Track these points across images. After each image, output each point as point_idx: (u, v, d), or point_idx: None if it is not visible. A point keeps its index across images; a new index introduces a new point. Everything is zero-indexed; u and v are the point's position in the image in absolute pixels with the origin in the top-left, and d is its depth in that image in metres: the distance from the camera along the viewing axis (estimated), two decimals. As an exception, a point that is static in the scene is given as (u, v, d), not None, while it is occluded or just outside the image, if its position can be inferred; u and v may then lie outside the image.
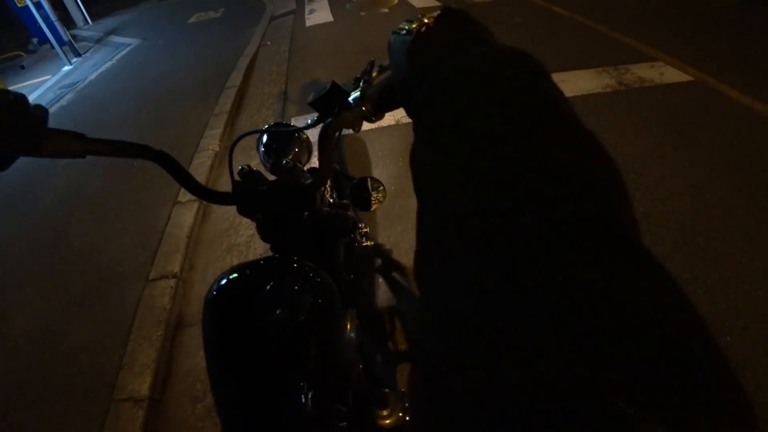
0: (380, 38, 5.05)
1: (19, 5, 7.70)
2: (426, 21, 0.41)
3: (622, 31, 4.81)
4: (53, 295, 2.13)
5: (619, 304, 0.18)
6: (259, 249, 2.13)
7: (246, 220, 2.26)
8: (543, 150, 0.24)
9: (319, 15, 6.68)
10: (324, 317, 0.67)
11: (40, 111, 0.51)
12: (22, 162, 0.51)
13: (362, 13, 6.50)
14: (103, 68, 6.07)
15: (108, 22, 10.16)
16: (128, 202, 2.67)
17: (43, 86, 5.91)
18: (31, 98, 5.50)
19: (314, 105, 0.63)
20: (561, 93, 0.29)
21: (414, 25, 0.41)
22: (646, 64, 3.88)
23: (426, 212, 0.28)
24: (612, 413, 0.16)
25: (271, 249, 0.78)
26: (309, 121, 0.70)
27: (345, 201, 1.03)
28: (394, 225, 2.13)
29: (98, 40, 8.35)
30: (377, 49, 4.67)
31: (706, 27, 5.18)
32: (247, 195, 0.71)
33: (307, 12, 7.00)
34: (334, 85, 0.60)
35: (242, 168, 0.73)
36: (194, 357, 1.78)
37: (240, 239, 2.22)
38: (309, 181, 0.72)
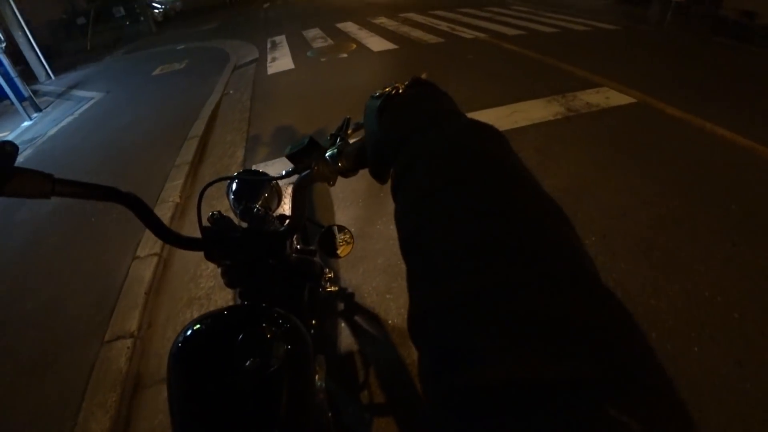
0: (339, 82, 5.30)
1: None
2: (397, 86, 0.45)
3: (568, 62, 5.18)
4: (3, 359, 2.00)
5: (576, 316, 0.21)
6: (220, 301, 2.09)
7: (206, 272, 2.26)
8: (519, 214, 0.27)
9: (281, 62, 6.89)
10: (296, 366, 0.65)
11: (10, 147, 0.50)
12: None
13: (322, 59, 6.75)
14: (64, 122, 5.99)
15: (71, 76, 10.13)
16: (85, 257, 2.59)
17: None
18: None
19: (291, 158, 0.64)
20: (520, 160, 0.34)
21: (386, 89, 0.45)
22: (592, 90, 4.20)
23: (416, 273, 0.29)
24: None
25: (239, 295, 0.77)
26: (284, 171, 0.70)
27: (311, 247, 1.03)
28: (356, 266, 2.14)
29: (60, 95, 8.28)
30: (336, 92, 4.87)
31: (642, 52, 5.68)
32: (217, 241, 0.70)
33: (269, 60, 7.20)
34: (311, 140, 0.62)
35: (213, 214, 0.73)
36: (153, 419, 1.69)
37: (201, 291, 2.17)
38: (281, 228, 0.73)
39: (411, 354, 1.73)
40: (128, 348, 1.96)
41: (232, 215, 0.82)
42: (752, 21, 7.28)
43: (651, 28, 7.74)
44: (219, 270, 0.73)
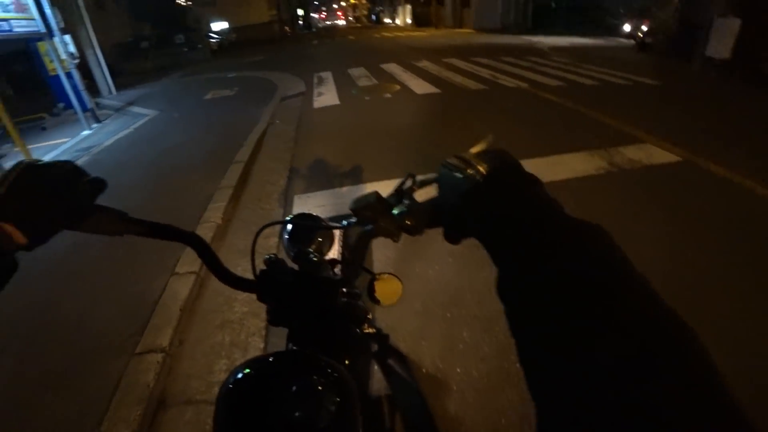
0: (383, 121, 5.46)
1: (51, 74, 8.29)
2: (479, 168, 0.45)
3: (609, 115, 5.19)
4: (31, 367, 2.06)
5: None
6: (252, 328, 2.11)
7: (241, 297, 2.29)
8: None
9: (327, 98, 7.20)
10: (344, 424, 0.64)
11: (99, 185, 0.52)
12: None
13: (366, 98, 7.01)
14: (119, 135, 6.38)
15: (130, 93, 10.85)
16: (125, 269, 2.68)
17: (60, 147, 6.19)
18: (48, 158, 5.69)
19: (355, 211, 0.65)
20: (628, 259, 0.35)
21: (469, 172, 0.45)
22: (635, 145, 4.17)
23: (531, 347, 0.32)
24: None
25: (288, 338, 0.79)
26: (345, 222, 0.71)
27: (357, 290, 1.04)
28: (393, 309, 2.13)
29: (119, 109, 8.86)
30: (380, 132, 5.01)
31: (685, 108, 5.67)
32: (271, 284, 0.73)
33: (315, 94, 7.54)
34: (378, 196, 0.64)
35: (269, 256, 0.75)
36: (173, 441, 1.69)
37: (234, 315, 2.20)
38: (336, 276, 0.77)
39: (442, 405, 1.69)
40: (158, 363, 1.98)
41: (284, 257, 0.84)
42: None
43: (692, 84, 7.75)
44: (265, 306, 0.75)
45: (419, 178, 0.63)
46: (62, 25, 7.94)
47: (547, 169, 3.63)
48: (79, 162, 5.18)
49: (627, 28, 17.00)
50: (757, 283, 2.20)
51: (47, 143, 6.68)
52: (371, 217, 0.63)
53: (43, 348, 2.16)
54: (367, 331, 1.31)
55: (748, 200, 3.08)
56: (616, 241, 0.36)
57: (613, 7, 19.93)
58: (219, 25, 32.92)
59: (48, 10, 7.06)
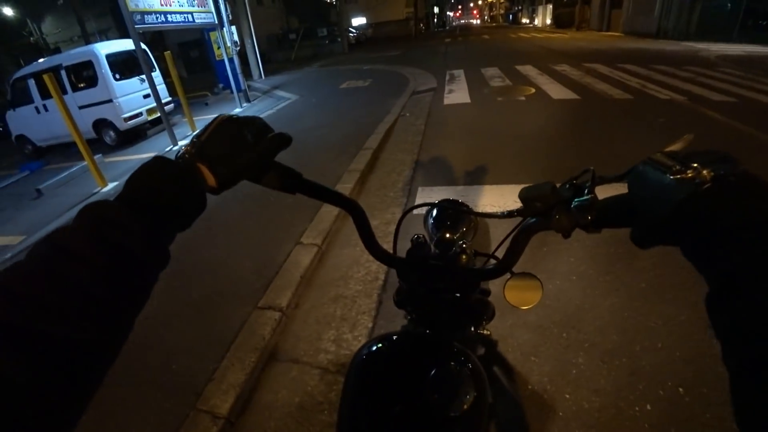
0: (513, 124, 5.20)
1: (217, 59, 9.61)
2: (704, 174, 0.39)
3: None
4: (175, 293, 2.37)
5: None
6: (363, 306, 2.14)
7: (357, 275, 2.35)
8: None
9: (458, 95, 7.09)
10: (476, 416, 0.62)
11: (281, 141, 0.53)
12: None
13: (499, 99, 6.73)
14: (264, 114, 7.13)
15: (276, 79, 12.07)
16: (259, 231, 2.95)
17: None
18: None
19: (525, 201, 0.61)
20: None
21: (689, 174, 0.39)
22: None
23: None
24: None
25: (408, 319, 0.78)
26: (505, 211, 0.67)
27: (488, 287, 0.99)
28: (505, 316, 1.99)
29: (265, 92, 9.92)
30: (509, 135, 4.79)
31: None
32: (417, 265, 0.72)
33: (446, 91, 7.49)
34: (553, 187, 0.60)
35: (417, 236, 0.75)
36: (276, 393, 1.79)
37: (348, 292, 2.27)
38: (487, 268, 0.71)
39: (543, 428, 1.53)
40: (275, 320, 2.13)
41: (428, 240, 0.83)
42: None
43: None
44: (393, 288, 0.75)
45: (599, 174, 0.56)
46: (231, 17, 9.14)
47: None
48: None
49: None
50: None
51: (208, 116, 7.74)
52: (541, 209, 0.59)
53: (188, 282, 2.47)
54: (481, 331, 1.22)
55: None
56: None
57: None
58: (357, 21, 34.97)
59: (222, 5, 8.17)
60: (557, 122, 5.40)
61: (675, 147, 0.51)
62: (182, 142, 6.04)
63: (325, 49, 22.05)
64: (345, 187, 3.38)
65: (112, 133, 7.14)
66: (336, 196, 0.62)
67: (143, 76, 6.74)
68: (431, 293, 0.73)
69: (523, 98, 6.71)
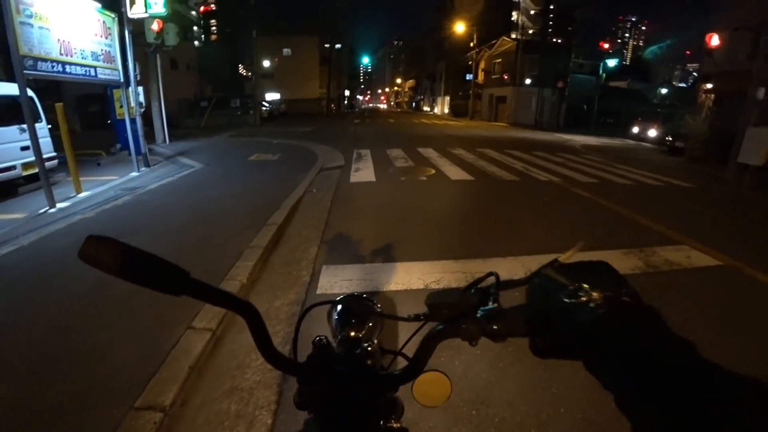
0: (416, 202, 5.60)
1: (118, 118, 9.08)
2: (597, 299, 0.44)
3: (643, 215, 5.22)
4: (29, 396, 1.98)
5: None
6: (261, 399, 1.99)
7: (255, 363, 2.21)
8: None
9: (364, 173, 7.51)
10: None
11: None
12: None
13: (402, 178, 7.26)
14: (164, 181, 6.73)
15: (182, 145, 11.63)
16: (148, 312, 2.64)
17: (108, 184, 6.56)
18: (95, 191, 6.03)
19: (431, 307, 0.63)
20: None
21: (583, 299, 0.44)
22: (672, 246, 4.12)
23: None
24: None
25: (308, 422, 0.74)
26: (415, 315, 0.68)
27: (398, 385, 0.96)
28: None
29: (168, 158, 9.46)
30: (414, 211, 5.12)
31: (723, 212, 5.72)
32: (320, 371, 0.68)
33: (353, 169, 7.88)
34: (462, 295, 0.61)
35: (319, 338, 0.71)
36: None
37: (245, 383, 2.10)
38: (396, 372, 0.69)
39: None
40: (154, 423, 1.87)
41: (331, 339, 0.80)
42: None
43: (728, 188, 7.97)
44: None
45: (506, 279, 0.61)
46: (139, 77, 8.86)
47: None
48: (122, 200, 5.46)
49: (635, 130, 18.43)
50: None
51: (99, 178, 7.09)
52: (449, 316, 0.60)
53: (49, 379, 2.09)
54: (391, 425, 1.20)
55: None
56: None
57: (641, 113, 21.44)
58: (272, 96, 36.00)
59: (130, 64, 7.94)
60: (456, 200, 5.97)
61: (569, 253, 0.55)
62: (62, 204, 5.39)
63: (237, 120, 22.04)
64: (246, 265, 3.25)
65: (-35, 189, 6.11)
66: (228, 298, 0.59)
67: (24, 126, 6.04)
68: (338, 397, 0.69)
69: (424, 178, 7.34)
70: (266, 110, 27.25)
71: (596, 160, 10.62)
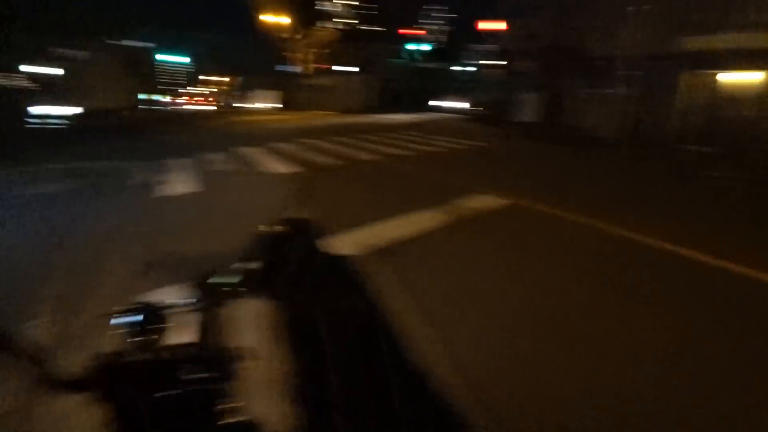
0: (238, 205, 5.50)
1: None
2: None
3: (451, 176, 6.63)
4: None
5: None
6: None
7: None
8: None
9: (184, 185, 6.98)
10: None
11: None
12: None
13: (224, 182, 7.14)
14: None
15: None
16: None
17: None
18: None
19: (192, 287, 0.72)
20: None
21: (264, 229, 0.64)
22: (472, 196, 5.39)
23: None
24: None
25: None
26: (173, 302, 0.74)
27: (213, 374, 0.94)
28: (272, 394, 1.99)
29: None
30: (237, 214, 5.02)
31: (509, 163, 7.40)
32: (108, 380, 0.66)
33: (169, 181, 7.29)
34: (205, 274, 0.75)
35: (102, 352, 0.69)
36: None
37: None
38: (181, 363, 0.70)
39: None
40: None
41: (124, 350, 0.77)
42: (578, 132, 12.42)
43: (511, 142, 11.16)
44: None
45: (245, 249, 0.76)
46: None
47: (403, 226, 4.28)
48: None
49: (444, 104, 22.33)
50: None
51: None
52: (202, 293, 0.72)
53: None
54: (227, 421, 1.12)
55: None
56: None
57: (437, 90, 25.49)
58: (63, 109, 29.89)
59: None
60: (281, 195, 6.03)
61: (289, 217, 0.70)
62: None
63: (10, 144, 17.74)
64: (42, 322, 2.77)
65: None
66: None
67: None
68: (141, 404, 0.67)
69: (249, 178, 7.39)
70: (55, 126, 22.53)
71: (413, 134, 11.97)
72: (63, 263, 3.74)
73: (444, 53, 41.80)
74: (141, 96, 47.99)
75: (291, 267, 0.59)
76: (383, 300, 0.53)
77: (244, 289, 0.66)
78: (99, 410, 0.60)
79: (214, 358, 0.68)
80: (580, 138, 11.52)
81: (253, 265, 0.67)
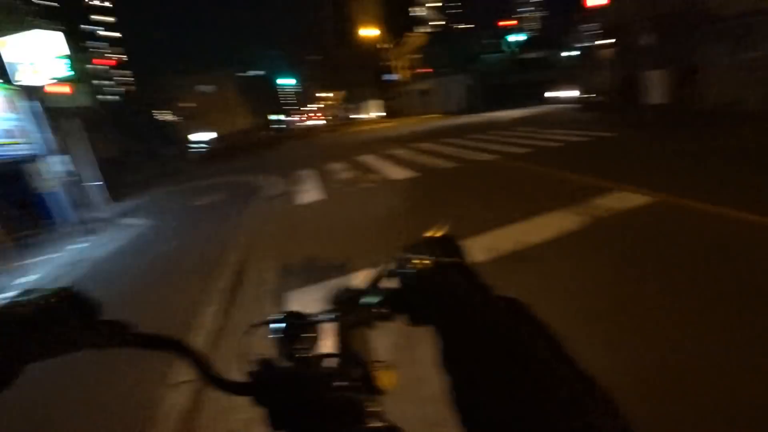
0: (363, 211, 5.80)
1: (46, 191, 8.66)
2: (418, 266, 0.58)
3: (577, 173, 5.81)
4: None
5: None
6: None
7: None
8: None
9: (311, 194, 7.64)
10: None
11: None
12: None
13: (347, 190, 7.50)
14: (111, 248, 6.51)
15: (123, 205, 11.23)
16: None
17: (54, 262, 6.34)
18: (41, 273, 5.81)
19: (332, 303, 0.73)
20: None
21: (410, 266, 0.59)
22: (608, 194, 4.70)
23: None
24: None
25: None
26: (321, 316, 0.76)
27: (357, 383, 0.88)
28: (410, 399, 1.99)
29: (111, 221, 9.12)
30: (365, 220, 5.31)
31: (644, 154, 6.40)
32: (264, 386, 0.72)
33: (297, 192, 8.04)
34: (347, 289, 0.72)
35: (259, 358, 0.75)
36: None
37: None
38: (328, 372, 0.73)
39: None
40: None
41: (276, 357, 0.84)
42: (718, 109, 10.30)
43: (640, 129, 9.28)
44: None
45: (387, 269, 0.69)
46: (60, 146, 8.48)
47: (533, 231, 3.96)
48: (72, 275, 5.34)
49: (553, 95, 19.96)
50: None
51: (42, 258, 6.75)
52: (346, 308, 0.70)
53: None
54: (372, 426, 1.18)
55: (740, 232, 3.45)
56: (529, 313, 0.47)
57: (545, 80, 23.25)
58: (205, 135, 35.13)
59: (47, 134, 7.63)
60: (403, 199, 6.22)
61: (431, 233, 0.65)
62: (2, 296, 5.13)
63: (170, 167, 21.39)
64: (211, 311, 3.29)
65: None
66: (155, 339, 0.61)
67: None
68: (291, 409, 0.71)
69: (370, 185, 7.61)
70: (202, 150, 26.61)
71: (526, 130, 11.37)
72: (231, 260, 4.39)
73: (544, 40, 39.02)
74: (271, 117, 53.48)
75: (435, 289, 0.56)
76: (532, 309, 0.49)
77: (388, 310, 0.65)
78: (255, 410, 0.65)
79: (357, 369, 0.70)
80: (723, 116, 9.59)
81: (396, 285, 0.65)
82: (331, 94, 75.66)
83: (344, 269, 3.80)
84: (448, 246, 0.62)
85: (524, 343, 0.42)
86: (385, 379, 0.72)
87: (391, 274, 0.66)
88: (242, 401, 0.68)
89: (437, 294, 0.53)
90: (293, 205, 6.99)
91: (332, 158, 12.07)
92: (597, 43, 17.05)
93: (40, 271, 5.97)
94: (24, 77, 8.08)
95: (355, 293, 0.71)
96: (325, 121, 74.63)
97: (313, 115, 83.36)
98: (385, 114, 41.16)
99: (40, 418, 2.52)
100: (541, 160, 7.10)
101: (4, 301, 0.46)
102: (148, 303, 3.88)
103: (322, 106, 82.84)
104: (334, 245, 4.58)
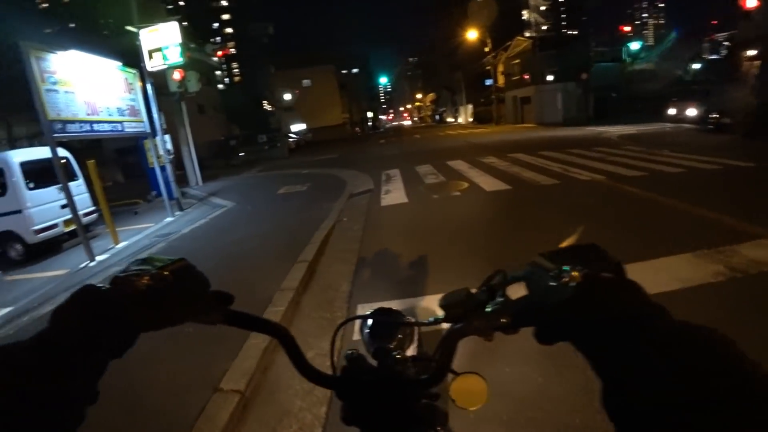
0: (451, 222, 5.26)
1: (150, 166, 9.39)
2: (576, 277, 0.44)
3: (707, 207, 4.56)
4: None
5: None
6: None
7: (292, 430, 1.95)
8: None
9: (394, 195, 7.26)
10: None
11: (217, 299, 0.58)
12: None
13: (435, 196, 6.95)
14: (196, 224, 6.78)
15: (213, 185, 11.90)
16: (168, 374, 2.46)
17: (144, 232, 6.72)
18: (132, 241, 6.16)
19: (445, 308, 0.67)
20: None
21: (563, 280, 0.45)
22: (751, 242, 3.50)
23: None
24: None
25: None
26: (432, 318, 0.72)
27: (436, 390, 0.90)
28: (473, 412, 1.79)
29: (201, 199, 9.64)
30: (451, 233, 4.82)
31: None
32: (353, 382, 0.71)
33: (383, 192, 7.67)
34: (468, 293, 0.65)
35: (351, 353, 0.74)
36: None
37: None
38: (423, 377, 0.70)
39: None
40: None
41: (364, 352, 0.82)
42: None
43: None
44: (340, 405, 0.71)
45: (511, 274, 0.61)
46: (165, 126, 9.20)
47: (652, 277, 3.02)
48: (157, 247, 5.56)
49: (672, 111, 17.10)
50: None
51: (136, 227, 7.26)
52: (462, 314, 0.64)
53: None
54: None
55: None
56: (737, 347, 0.35)
57: (674, 93, 20.13)
58: (297, 127, 37.01)
59: (155, 115, 8.20)
60: (493, 215, 5.57)
61: (569, 241, 0.56)
62: (101, 257, 5.47)
63: (265, 155, 22.62)
64: (276, 311, 3.03)
65: (18, 247, 6.34)
66: (263, 323, 0.63)
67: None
68: (375, 407, 0.70)
69: (458, 193, 7.00)
70: (293, 141, 27.91)
71: (637, 150, 9.88)
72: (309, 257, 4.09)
73: (668, 50, 35.29)
74: (363, 115, 55.80)
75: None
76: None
77: (508, 320, 0.56)
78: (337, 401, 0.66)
79: (441, 376, 0.67)
80: None
81: (526, 294, 0.54)
82: (420, 96, 76.15)
83: (430, 287, 3.32)
84: (600, 258, 0.50)
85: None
86: (471, 394, 0.72)
87: (514, 280, 0.59)
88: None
89: (609, 312, 0.41)
90: (380, 206, 6.68)
91: (420, 160, 11.70)
92: (736, 54, 14.57)
93: (134, 238, 6.31)
94: (155, 63, 8.93)
95: (471, 299, 0.64)
96: (411, 122, 75.20)
97: (405, 114, 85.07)
98: (473, 119, 40.16)
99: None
100: (658, 187, 5.78)
101: (122, 269, 0.49)
102: (218, 286, 3.70)
103: (410, 107, 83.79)
104: (418, 257, 4.11)
